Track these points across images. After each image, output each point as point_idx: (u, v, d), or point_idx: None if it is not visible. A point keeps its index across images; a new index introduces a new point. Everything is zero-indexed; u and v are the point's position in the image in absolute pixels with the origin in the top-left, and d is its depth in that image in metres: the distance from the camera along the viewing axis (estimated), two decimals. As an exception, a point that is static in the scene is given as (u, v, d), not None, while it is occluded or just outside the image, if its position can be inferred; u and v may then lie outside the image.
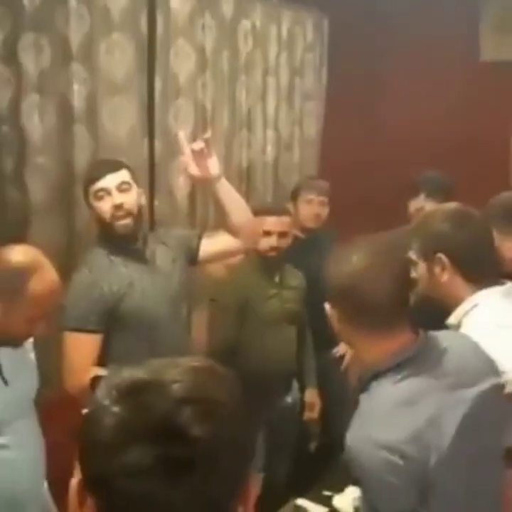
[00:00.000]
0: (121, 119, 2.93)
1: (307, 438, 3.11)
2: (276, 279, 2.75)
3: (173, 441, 0.69)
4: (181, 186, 3.26)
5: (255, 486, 0.79)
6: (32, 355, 1.92)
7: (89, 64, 2.83)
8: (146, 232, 2.24)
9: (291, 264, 2.82)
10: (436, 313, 1.79)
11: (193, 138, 2.59)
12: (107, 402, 0.73)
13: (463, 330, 1.69)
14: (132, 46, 2.94)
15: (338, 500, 2.09)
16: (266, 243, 2.66)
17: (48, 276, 1.69)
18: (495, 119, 3.76)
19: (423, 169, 3.08)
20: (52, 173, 2.79)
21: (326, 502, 2.09)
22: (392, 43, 3.93)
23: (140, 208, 2.14)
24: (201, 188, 3.09)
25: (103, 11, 2.84)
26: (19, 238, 2.38)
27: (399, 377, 1.38)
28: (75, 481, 0.76)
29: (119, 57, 2.90)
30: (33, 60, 2.68)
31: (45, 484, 1.94)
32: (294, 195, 3.22)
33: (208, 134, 2.21)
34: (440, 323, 1.79)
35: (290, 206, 3.17)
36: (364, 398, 1.42)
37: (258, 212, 2.51)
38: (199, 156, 2.14)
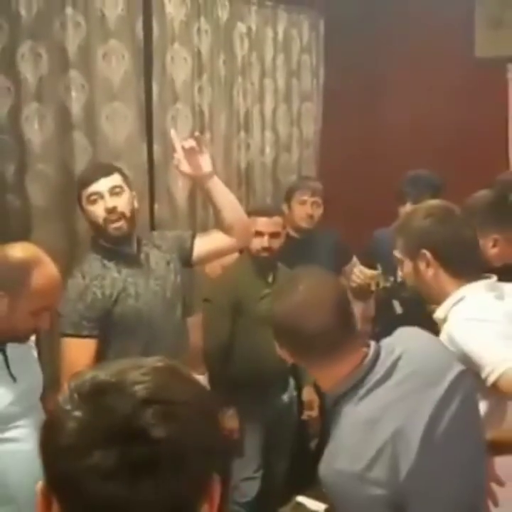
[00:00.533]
0: (119, 124, 2.98)
1: (307, 436, 3.13)
2: (270, 279, 2.78)
3: (136, 443, 0.69)
4: (181, 189, 3.29)
5: (220, 486, 0.78)
6: (35, 353, 1.96)
7: (87, 71, 2.87)
8: (140, 236, 2.27)
9: (285, 263, 2.85)
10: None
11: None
12: (68, 407, 0.73)
13: (449, 323, 1.72)
14: (129, 52, 2.98)
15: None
16: (258, 243, 2.69)
17: (48, 270, 1.74)
18: (490, 114, 3.77)
19: (421, 167, 3.09)
20: (53, 179, 2.83)
21: (326, 499, 2.11)
22: (388, 42, 3.94)
23: (133, 212, 2.16)
24: (200, 191, 3.12)
25: (99, 18, 2.89)
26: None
27: (357, 397, 1.37)
28: (39, 486, 0.77)
29: (116, 64, 2.94)
30: (31, 68, 2.73)
31: None
32: (288, 196, 3.25)
33: (197, 133, 2.24)
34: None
35: (285, 207, 3.20)
36: (332, 426, 1.43)
37: (250, 213, 2.55)
38: (191, 154, 2.18)
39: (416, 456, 1.29)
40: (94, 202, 2.10)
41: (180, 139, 2.21)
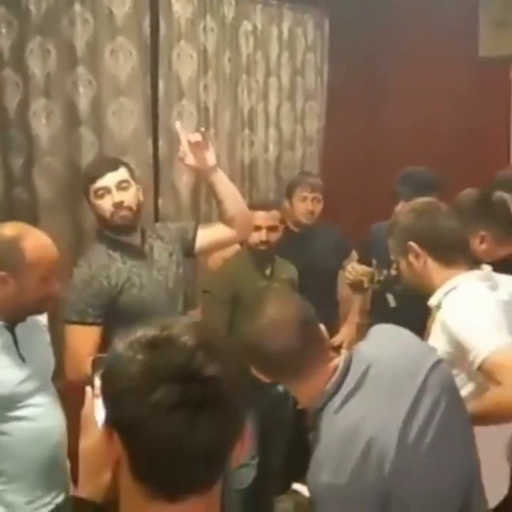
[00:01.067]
0: (125, 120, 3.03)
1: (303, 426, 3.16)
2: (267, 271, 2.83)
3: (194, 380, 0.80)
4: (185, 184, 3.34)
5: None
6: (47, 336, 2.01)
7: (94, 67, 2.93)
8: (145, 227, 2.32)
9: (286, 257, 2.90)
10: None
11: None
12: (130, 353, 0.83)
13: (442, 310, 1.77)
14: (136, 49, 3.04)
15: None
16: (256, 237, 2.75)
17: (40, 240, 1.80)
18: (494, 113, 3.79)
19: (424, 167, 3.10)
20: (59, 173, 2.89)
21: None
22: (392, 41, 3.97)
23: (139, 205, 2.22)
24: (205, 186, 3.17)
25: (107, 16, 2.95)
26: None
27: (333, 410, 1.39)
28: (97, 434, 0.90)
29: (123, 60, 3.00)
30: (39, 64, 2.78)
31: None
32: (289, 192, 3.29)
33: (203, 128, 2.28)
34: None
35: (286, 202, 3.25)
36: (313, 441, 1.44)
37: (249, 207, 2.58)
38: (196, 147, 2.23)
39: (394, 461, 1.30)
40: (101, 196, 2.15)
41: (185, 133, 2.26)
